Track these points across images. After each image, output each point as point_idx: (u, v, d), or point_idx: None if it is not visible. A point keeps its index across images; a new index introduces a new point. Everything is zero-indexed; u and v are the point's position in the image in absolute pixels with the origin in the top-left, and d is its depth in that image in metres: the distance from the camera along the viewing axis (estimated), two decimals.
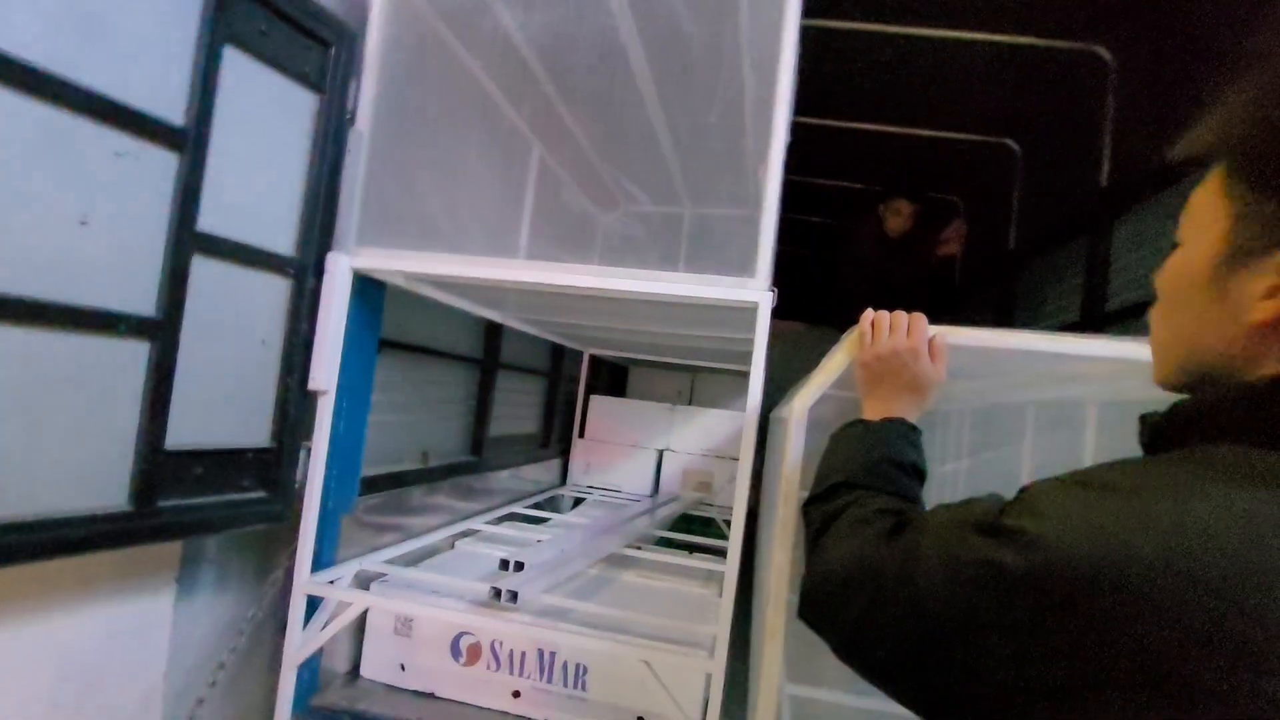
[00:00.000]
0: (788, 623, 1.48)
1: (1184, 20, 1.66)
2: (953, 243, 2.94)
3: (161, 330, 1.02)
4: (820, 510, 0.63)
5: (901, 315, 0.82)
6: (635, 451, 3.00)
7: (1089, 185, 2.03)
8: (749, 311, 1.18)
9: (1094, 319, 1.93)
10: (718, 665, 1.18)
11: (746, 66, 1.57)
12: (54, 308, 0.90)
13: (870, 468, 0.66)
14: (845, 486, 0.64)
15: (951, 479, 1.75)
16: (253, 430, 1.22)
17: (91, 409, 0.97)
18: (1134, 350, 0.87)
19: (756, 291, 1.16)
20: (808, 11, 2.02)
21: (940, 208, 3.13)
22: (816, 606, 0.54)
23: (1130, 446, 1.35)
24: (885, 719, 1.41)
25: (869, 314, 0.84)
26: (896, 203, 2.80)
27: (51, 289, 0.90)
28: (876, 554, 0.49)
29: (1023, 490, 0.43)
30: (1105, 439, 1.31)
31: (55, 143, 0.89)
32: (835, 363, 0.89)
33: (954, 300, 3.19)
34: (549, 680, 1.45)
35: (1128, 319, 1.76)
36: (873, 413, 0.77)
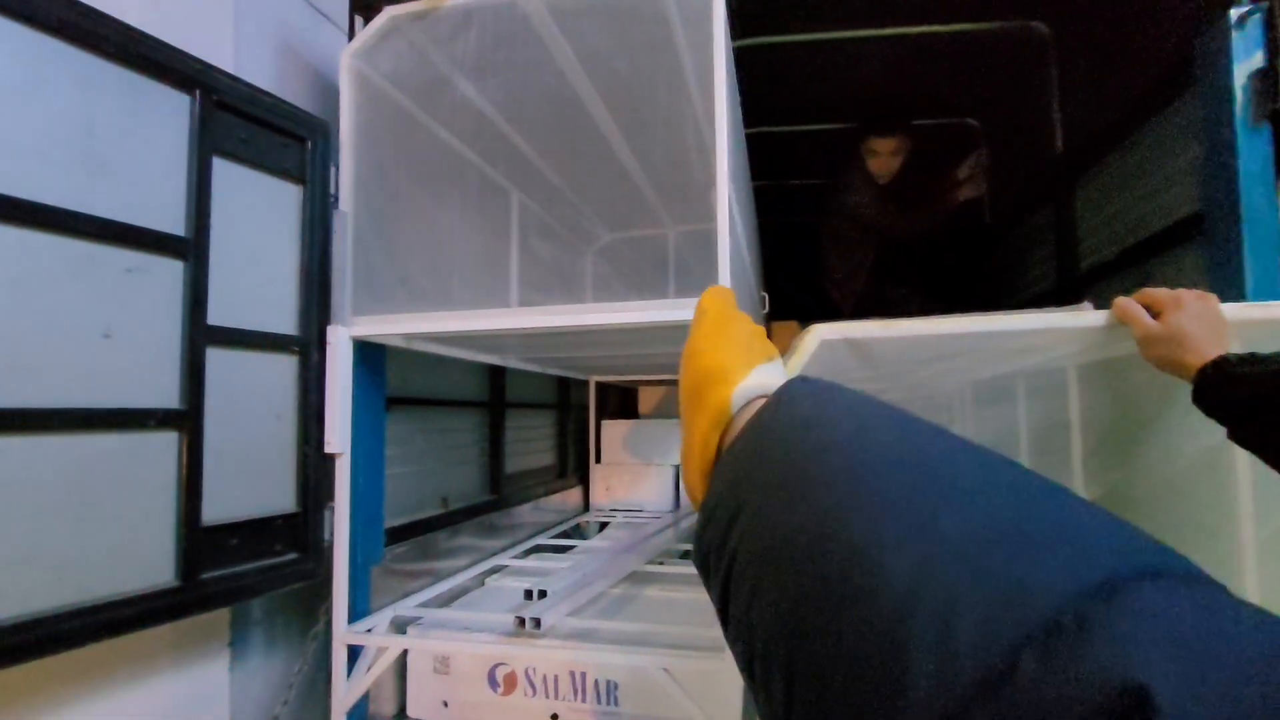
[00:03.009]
0: None
1: None
2: (972, 182, 2.46)
3: (187, 419, 1.14)
4: None
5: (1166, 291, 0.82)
6: (652, 470, 3.07)
7: (1048, 154, 2.08)
8: None
9: (1070, 282, 1.97)
10: (732, 667, 1.24)
11: (693, 94, 1.67)
12: (91, 413, 1.01)
13: None
14: None
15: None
16: (279, 498, 1.32)
17: (134, 498, 1.08)
18: (1060, 320, 0.93)
19: None
20: (747, 31, 2.12)
21: (955, 141, 2.64)
22: None
23: (1108, 400, 1.39)
24: None
25: (1124, 301, 0.84)
26: (872, 141, 2.41)
27: (87, 396, 1.02)
28: None
29: None
30: (1085, 396, 1.36)
31: (75, 269, 1.01)
32: (790, 367, 0.97)
33: (988, 247, 2.64)
34: (583, 700, 1.52)
35: (1100, 279, 1.80)
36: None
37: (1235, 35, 1.21)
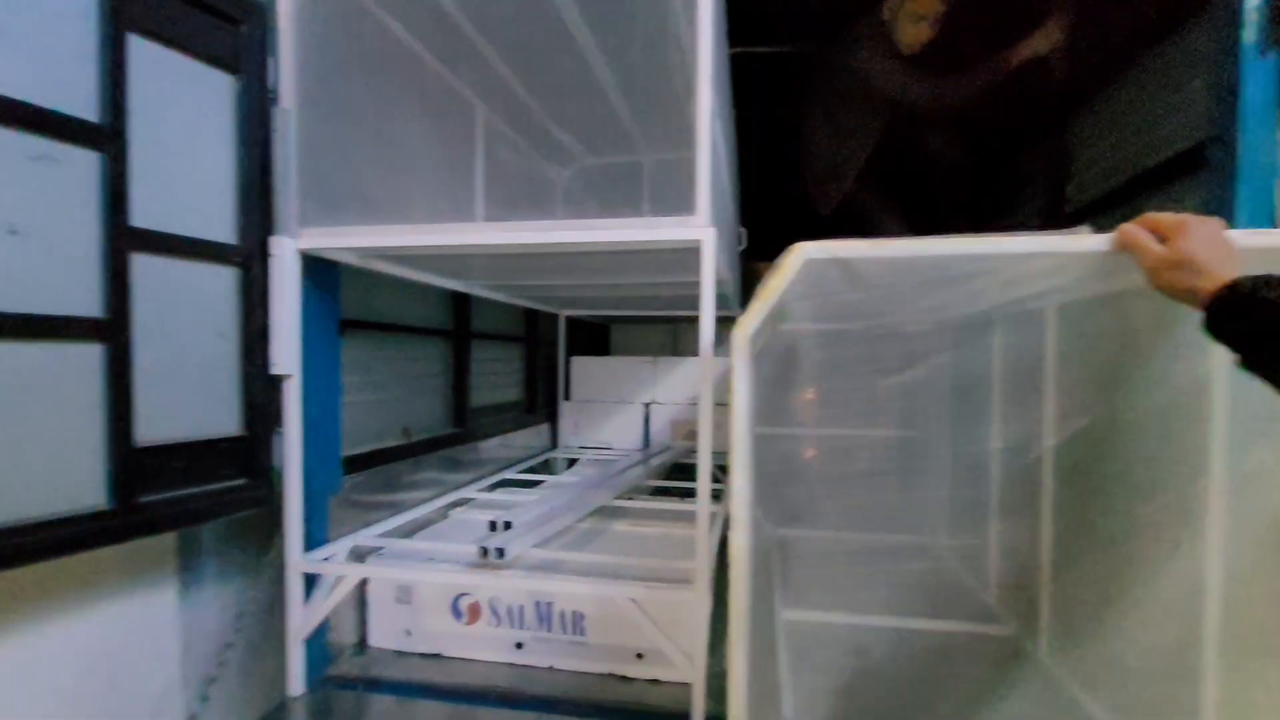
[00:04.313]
0: (764, 550, 1.53)
1: None
2: (1044, 37, 1.83)
3: (112, 330, 1.03)
4: None
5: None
6: (622, 408, 3.04)
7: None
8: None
9: (1059, 216, 1.93)
10: (700, 597, 1.23)
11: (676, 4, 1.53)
12: None
13: None
14: None
15: (933, 381, 1.76)
16: (223, 420, 1.23)
17: (54, 414, 0.98)
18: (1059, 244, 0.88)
19: (698, 229, 1.16)
20: None
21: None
22: None
23: (1087, 344, 1.36)
24: (868, 632, 1.49)
25: (1128, 227, 0.80)
26: (911, 2, 1.91)
27: None
28: None
29: None
30: (1065, 335, 1.34)
31: None
32: (772, 287, 0.91)
33: (1059, 118, 1.94)
34: (548, 629, 1.51)
35: (1095, 213, 1.75)
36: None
37: None
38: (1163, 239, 0.79)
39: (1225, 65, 1.19)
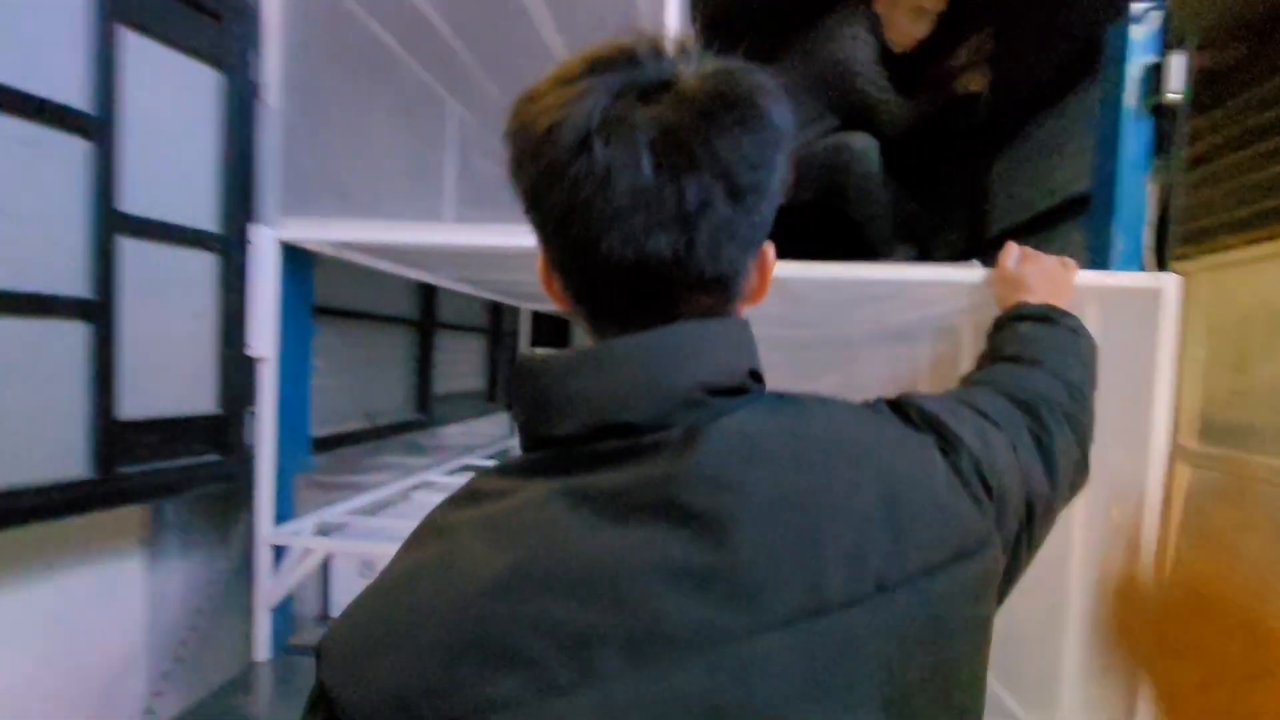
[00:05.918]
0: None
1: None
2: (976, 71, 1.96)
3: (98, 310, 1.09)
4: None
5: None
6: None
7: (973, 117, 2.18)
8: None
9: (979, 244, 2.13)
10: None
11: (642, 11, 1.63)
12: None
13: None
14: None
15: (865, 385, 1.94)
16: (199, 399, 1.30)
17: (42, 387, 1.04)
18: (955, 275, 1.05)
19: None
20: None
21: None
22: None
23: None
24: None
25: (1011, 244, 0.98)
26: None
27: None
28: None
29: None
30: (979, 346, 1.53)
31: None
32: None
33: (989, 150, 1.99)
34: None
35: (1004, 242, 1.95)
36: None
37: (1135, 27, 1.31)
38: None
39: (1109, 124, 1.37)
